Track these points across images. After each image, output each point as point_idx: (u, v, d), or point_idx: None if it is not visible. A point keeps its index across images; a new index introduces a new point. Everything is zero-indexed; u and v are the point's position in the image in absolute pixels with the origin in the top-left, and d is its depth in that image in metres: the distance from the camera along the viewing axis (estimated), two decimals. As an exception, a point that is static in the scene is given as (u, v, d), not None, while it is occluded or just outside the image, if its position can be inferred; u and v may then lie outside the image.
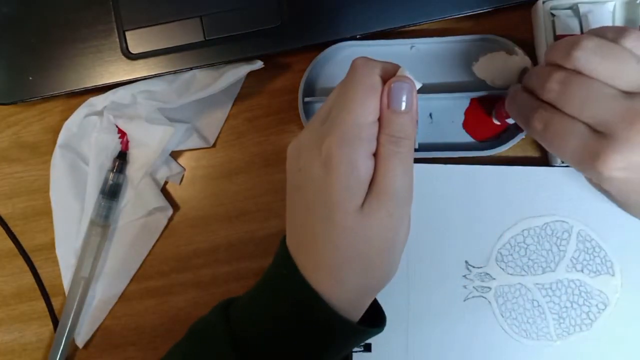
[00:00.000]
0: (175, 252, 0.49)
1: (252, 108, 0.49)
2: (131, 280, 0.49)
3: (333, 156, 0.31)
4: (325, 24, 0.45)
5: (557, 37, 0.43)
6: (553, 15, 0.44)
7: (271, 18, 0.45)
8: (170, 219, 0.49)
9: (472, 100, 0.46)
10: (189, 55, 0.45)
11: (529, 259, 0.45)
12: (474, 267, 0.45)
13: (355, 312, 0.34)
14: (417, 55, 0.47)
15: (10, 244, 0.50)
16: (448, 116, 0.47)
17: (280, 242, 0.36)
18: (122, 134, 0.47)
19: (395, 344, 0.45)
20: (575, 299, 0.45)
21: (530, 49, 0.45)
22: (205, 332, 0.36)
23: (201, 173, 0.49)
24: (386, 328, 0.37)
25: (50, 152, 0.48)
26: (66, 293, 0.48)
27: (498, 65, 0.45)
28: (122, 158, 0.48)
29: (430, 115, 0.47)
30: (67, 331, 0.47)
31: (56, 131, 0.48)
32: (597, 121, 0.33)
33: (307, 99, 0.46)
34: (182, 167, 0.49)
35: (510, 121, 0.45)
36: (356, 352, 0.45)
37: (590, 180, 0.38)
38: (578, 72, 0.33)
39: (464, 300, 0.45)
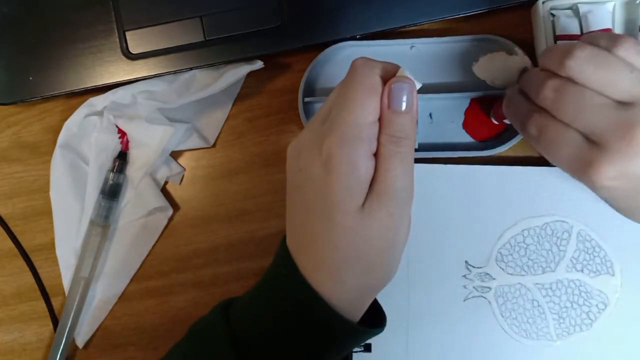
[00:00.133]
0: (175, 252, 0.49)
1: (252, 108, 0.49)
2: (131, 280, 0.49)
3: (333, 156, 0.31)
4: (325, 24, 0.45)
5: (557, 37, 0.43)
6: (553, 15, 0.44)
7: (271, 18, 0.45)
8: (170, 219, 0.49)
9: (472, 100, 0.46)
10: (189, 55, 0.45)
11: (529, 259, 0.45)
12: (474, 267, 0.46)
13: (355, 312, 0.34)
14: (417, 55, 0.47)
15: (10, 244, 0.50)
16: (448, 116, 0.47)
17: (281, 242, 0.36)
18: (122, 134, 0.47)
19: (395, 344, 0.45)
20: (575, 299, 0.45)
21: (530, 49, 0.45)
22: (205, 332, 0.36)
23: (201, 173, 0.49)
24: (386, 328, 0.37)
25: (50, 152, 0.48)
26: (66, 293, 0.48)
27: (498, 65, 0.45)
28: (122, 158, 0.48)
29: (430, 115, 0.47)
30: (67, 331, 0.47)
31: (56, 131, 0.48)
32: (590, 130, 0.33)
33: (307, 99, 0.46)
34: (182, 167, 0.49)
35: (508, 121, 0.45)
36: (356, 352, 0.45)
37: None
38: (572, 81, 0.33)
39: (464, 300, 0.45)
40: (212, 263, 0.49)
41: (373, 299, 0.36)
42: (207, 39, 0.45)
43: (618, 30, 0.43)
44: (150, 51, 0.46)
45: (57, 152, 0.48)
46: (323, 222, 0.32)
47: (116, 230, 0.49)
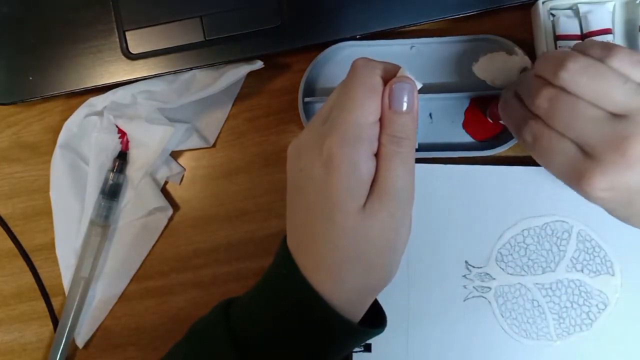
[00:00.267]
0: (175, 252, 0.49)
1: (252, 108, 0.49)
2: (131, 280, 0.49)
3: (334, 156, 0.31)
4: (325, 24, 0.45)
5: (557, 37, 0.43)
6: (553, 15, 0.44)
7: (271, 18, 0.45)
8: (170, 219, 0.49)
9: (472, 100, 0.46)
10: (189, 55, 0.45)
11: (529, 259, 0.45)
12: (474, 267, 0.46)
13: (355, 312, 0.34)
14: (417, 55, 0.47)
15: (10, 244, 0.50)
16: (448, 116, 0.47)
17: (281, 242, 0.36)
18: (122, 134, 0.47)
19: (395, 344, 0.45)
20: (575, 299, 0.45)
21: (530, 49, 0.45)
22: (205, 332, 0.36)
23: (201, 173, 0.49)
24: (386, 328, 0.37)
25: (50, 152, 0.48)
26: (66, 293, 0.48)
27: (498, 65, 0.45)
28: (122, 158, 0.48)
29: (430, 115, 0.47)
30: (67, 331, 0.47)
31: (56, 131, 0.48)
32: (583, 141, 0.33)
33: (307, 99, 0.46)
34: (182, 167, 0.49)
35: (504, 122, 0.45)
36: (356, 352, 0.45)
37: None
38: (566, 91, 0.33)
39: (464, 300, 0.45)
40: (212, 263, 0.49)
41: (373, 299, 0.36)
42: (207, 39, 0.45)
43: (618, 30, 0.43)
44: (150, 51, 0.46)
45: (57, 152, 0.48)
46: (324, 222, 0.32)
47: (116, 230, 0.49)
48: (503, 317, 0.45)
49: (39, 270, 0.50)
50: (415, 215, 0.34)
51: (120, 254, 0.49)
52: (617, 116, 0.32)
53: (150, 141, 0.46)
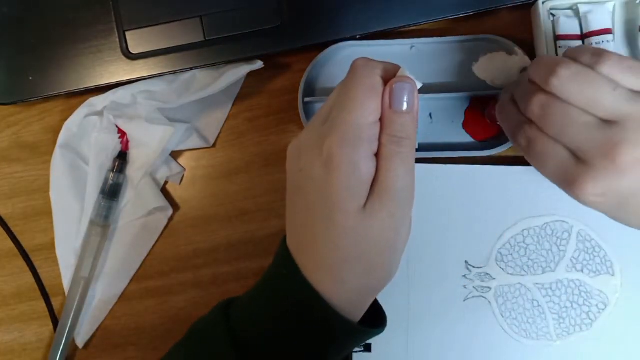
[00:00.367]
0: (175, 252, 0.49)
1: (252, 108, 0.49)
2: (131, 280, 0.49)
3: (334, 156, 0.31)
4: (325, 24, 0.45)
5: (557, 37, 0.43)
6: (553, 15, 0.44)
7: (271, 18, 0.45)
8: (170, 219, 0.49)
9: (472, 100, 0.46)
10: (189, 55, 0.45)
11: (529, 259, 0.45)
12: (474, 267, 0.46)
13: (356, 312, 0.34)
14: (417, 55, 0.47)
15: (10, 244, 0.50)
16: (448, 116, 0.47)
17: (281, 242, 0.36)
18: (122, 134, 0.47)
19: (395, 344, 0.45)
20: (575, 299, 0.45)
21: (530, 49, 0.45)
22: (205, 332, 0.36)
23: (201, 173, 0.49)
24: (386, 328, 0.37)
25: (50, 152, 0.48)
26: (66, 293, 0.48)
27: (498, 65, 0.45)
28: (122, 158, 0.48)
29: (430, 115, 0.47)
30: (67, 331, 0.47)
31: (56, 131, 0.48)
32: (575, 147, 0.34)
33: (307, 99, 0.46)
34: (182, 167, 0.49)
35: None
36: (356, 352, 0.45)
37: None
38: (558, 97, 0.34)
39: (464, 300, 0.45)
40: (212, 263, 0.49)
41: (373, 299, 0.36)
42: (207, 39, 0.45)
43: (618, 30, 0.43)
44: (150, 51, 0.46)
45: (57, 152, 0.48)
46: (324, 222, 0.32)
47: (116, 230, 0.49)
48: (503, 317, 0.45)
49: (39, 270, 0.50)
50: (415, 215, 0.34)
51: (120, 254, 0.49)
52: (607, 122, 0.33)
53: (150, 141, 0.46)
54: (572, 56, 0.34)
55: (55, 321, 0.49)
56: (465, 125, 0.47)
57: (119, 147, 0.48)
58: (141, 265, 0.49)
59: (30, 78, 0.46)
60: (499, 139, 0.46)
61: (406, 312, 0.45)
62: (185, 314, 0.48)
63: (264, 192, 0.48)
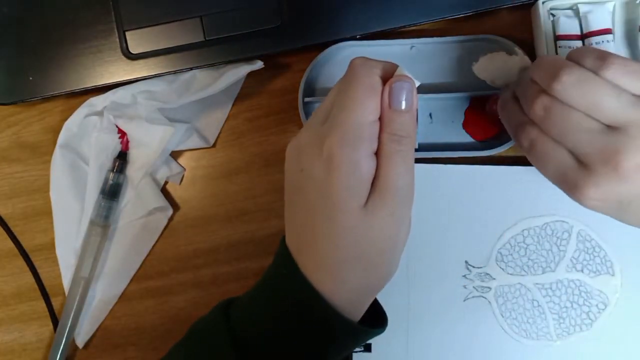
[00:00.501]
0: (175, 252, 0.49)
1: (252, 108, 0.49)
2: (131, 280, 0.49)
3: (334, 156, 0.31)
4: (325, 24, 0.45)
5: (557, 37, 0.43)
6: (553, 15, 0.44)
7: (271, 18, 0.45)
8: (170, 219, 0.49)
9: (472, 100, 0.46)
10: (189, 55, 0.45)
11: (529, 259, 0.45)
12: (474, 267, 0.46)
13: (356, 312, 0.34)
14: (417, 55, 0.47)
15: (10, 244, 0.50)
16: (448, 116, 0.47)
17: (280, 242, 0.36)
18: (122, 134, 0.47)
19: (395, 344, 0.45)
20: (575, 299, 0.45)
21: (530, 49, 0.45)
22: (205, 332, 0.36)
23: (201, 173, 0.49)
24: (386, 328, 0.37)
25: (50, 152, 0.48)
26: (66, 293, 0.48)
27: (498, 65, 0.45)
28: (122, 158, 0.48)
29: (430, 115, 0.47)
30: (67, 331, 0.47)
31: (56, 131, 0.48)
32: (577, 151, 0.34)
33: (307, 99, 0.46)
34: (182, 167, 0.49)
35: None
36: (356, 352, 0.45)
37: None
38: (561, 101, 0.34)
39: (464, 300, 0.45)
40: (212, 263, 0.49)
41: (373, 298, 0.36)
42: (207, 39, 0.45)
43: (618, 30, 0.43)
44: (150, 51, 0.46)
45: (57, 152, 0.48)
46: (324, 222, 0.32)
47: (116, 230, 0.49)
48: (503, 317, 0.45)
49: (39, 270, 0.50)
50: (415, 215, 0.34)
51: (120, 254, 0.49)
52: (611, 128, 0.33)
53: (150, 141, 0.46)
54: (575, 58, 0.34)
55: (55, 321, 0.49)
56: (465, 125, 0.47)
57: (119, 147, 0.48)
58: (141, 265, 0.49)
59: (30, 78, 0.46)
60: (499, 139, 0.46)
61: (406, 312, 0.45)
62: (185, 314, 0.48)
63: (264, 192, 0.48)
